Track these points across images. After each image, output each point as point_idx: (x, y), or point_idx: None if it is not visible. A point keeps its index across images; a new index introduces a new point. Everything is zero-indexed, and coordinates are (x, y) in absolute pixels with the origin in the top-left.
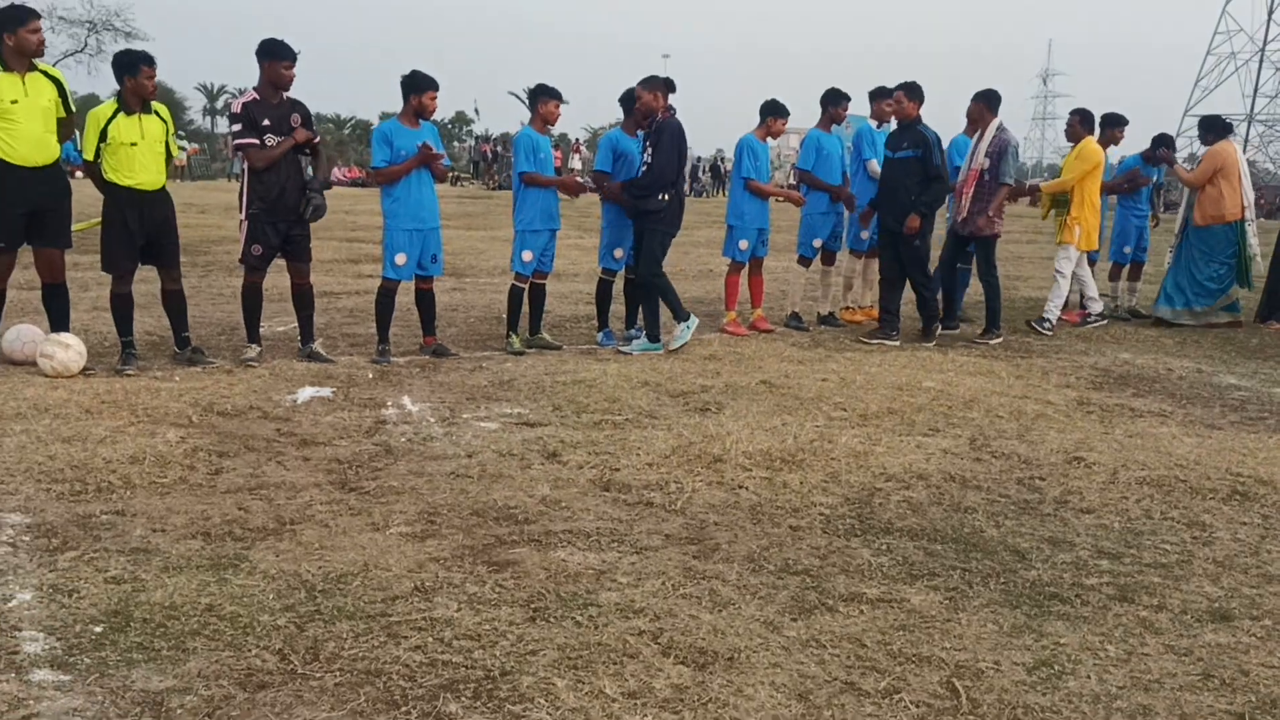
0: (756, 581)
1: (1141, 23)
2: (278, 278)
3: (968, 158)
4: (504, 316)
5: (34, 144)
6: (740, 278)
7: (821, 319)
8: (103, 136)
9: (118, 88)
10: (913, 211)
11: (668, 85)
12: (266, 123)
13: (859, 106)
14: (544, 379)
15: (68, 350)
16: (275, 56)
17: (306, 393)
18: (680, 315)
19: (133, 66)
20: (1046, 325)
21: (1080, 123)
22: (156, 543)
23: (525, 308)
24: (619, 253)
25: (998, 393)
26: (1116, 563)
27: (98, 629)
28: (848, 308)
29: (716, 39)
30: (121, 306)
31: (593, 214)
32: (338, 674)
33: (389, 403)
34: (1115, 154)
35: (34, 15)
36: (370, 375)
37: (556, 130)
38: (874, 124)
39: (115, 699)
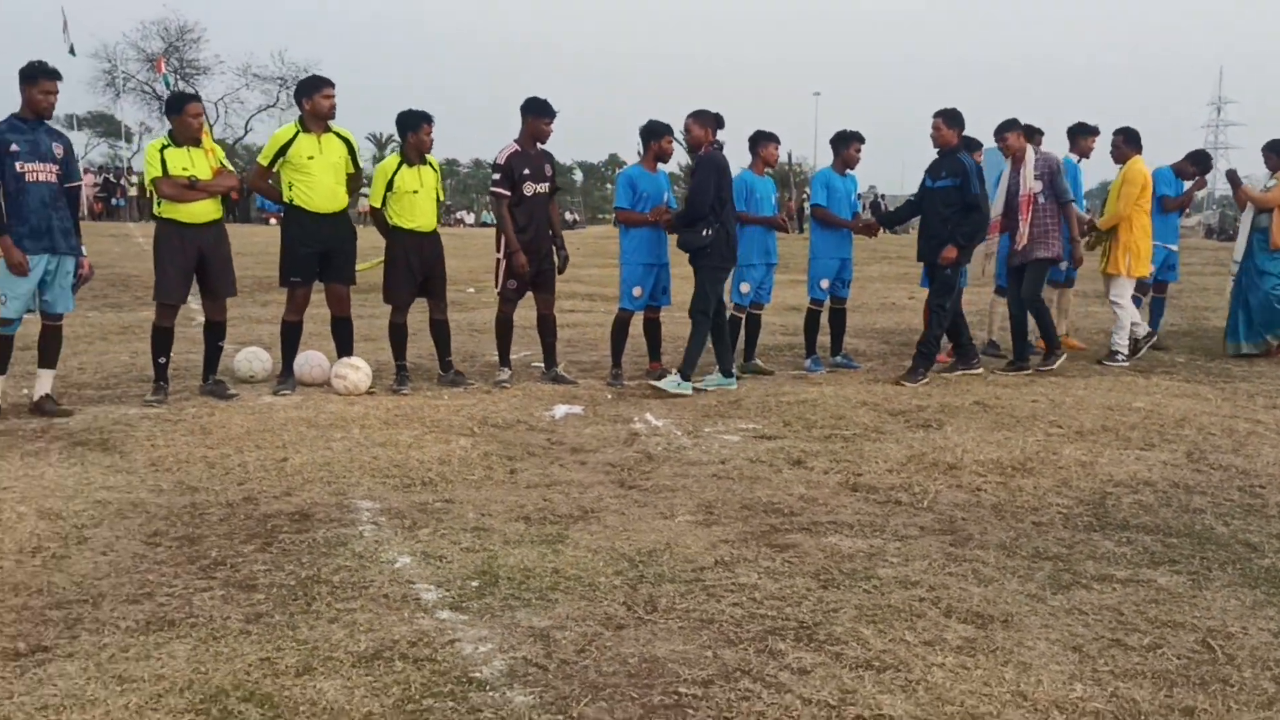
0: (1013, 564)
1: None
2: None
3: (1004, 184)
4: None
5: (327, 194)
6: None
7: (986, 347)
8: (389, 186)
9: (400, 143)
10: (950, 243)
11: (718, 121)
12: (526, 171)
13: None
14: (768, 399)
15: (357, 372)
16: (539, 114)
17: (561, 410)
18: (687, 369)
19: (415, 124)
20: (1120, 358)
21: (1124, 142)
22: (489, 523)
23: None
24: (824, 283)
25: (1207, 413)
26: None
27: (474, 583)
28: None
29: (867, 64)
30: (398, 335)
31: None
32: (677, 620)
33: (635, 418)
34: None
35: (328, 84)
36: (609, 395)
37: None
38: (1075, 159)
39: (508, 632)
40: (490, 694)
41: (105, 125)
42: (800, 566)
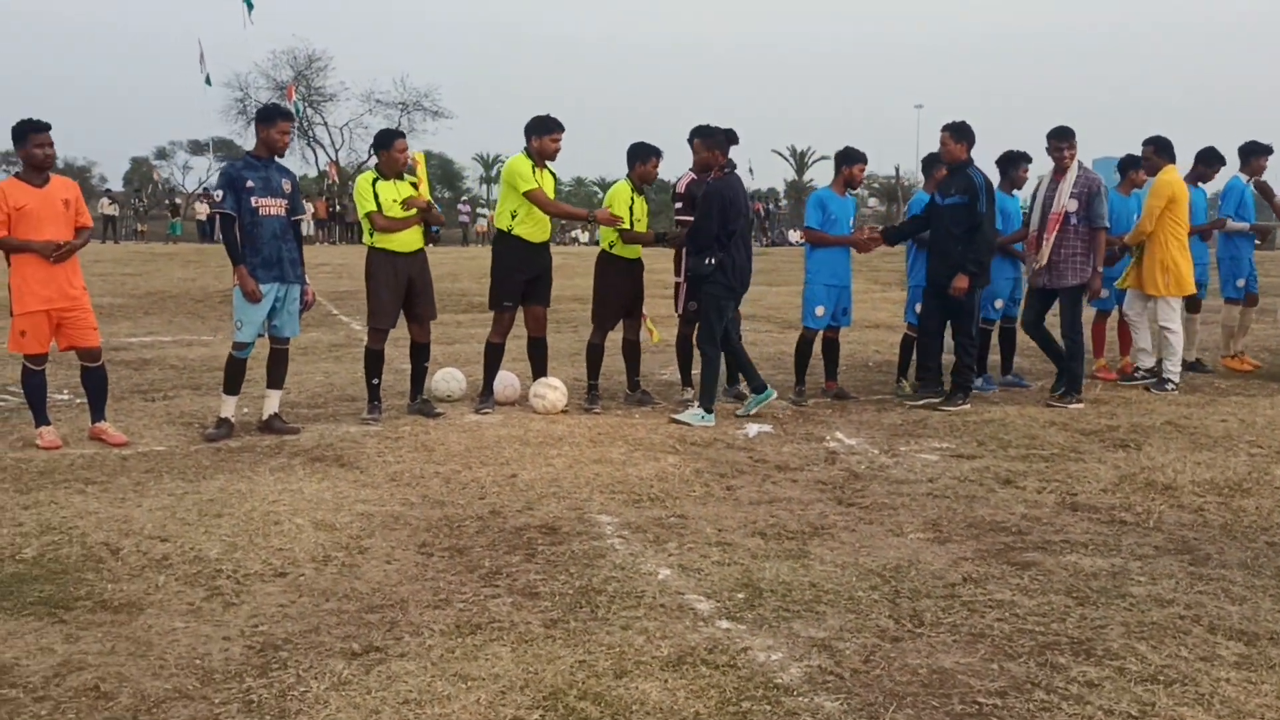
0: (1262, 583)
1: None
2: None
3: (1041, 200)
4: (894, 363)
5: (545, 225)
6: (1105, 325)
7: (1189, 365)
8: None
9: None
10: (960, 271)
11: (729, 138)
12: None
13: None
14: (953, 419)
15: (555, 391)
16: (715, 142)
17: (753, 428)
18: (706, 401)
19: (645, 156)
20: (1170, 386)
21: (1155, 152)
22: (730, 538)
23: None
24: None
25: None
26: None
27: (740, 595)
28: (1235, 355)
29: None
30: (594, 355)
31: (884, 268)
32: (948, 634)
33: (826, 437)
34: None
35: (559, 128)
36: (790, 412)
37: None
38: (1244, 179)
39: (790, 641)
40: (800, 699)
41: (226, 150)
42: (1049, 584)
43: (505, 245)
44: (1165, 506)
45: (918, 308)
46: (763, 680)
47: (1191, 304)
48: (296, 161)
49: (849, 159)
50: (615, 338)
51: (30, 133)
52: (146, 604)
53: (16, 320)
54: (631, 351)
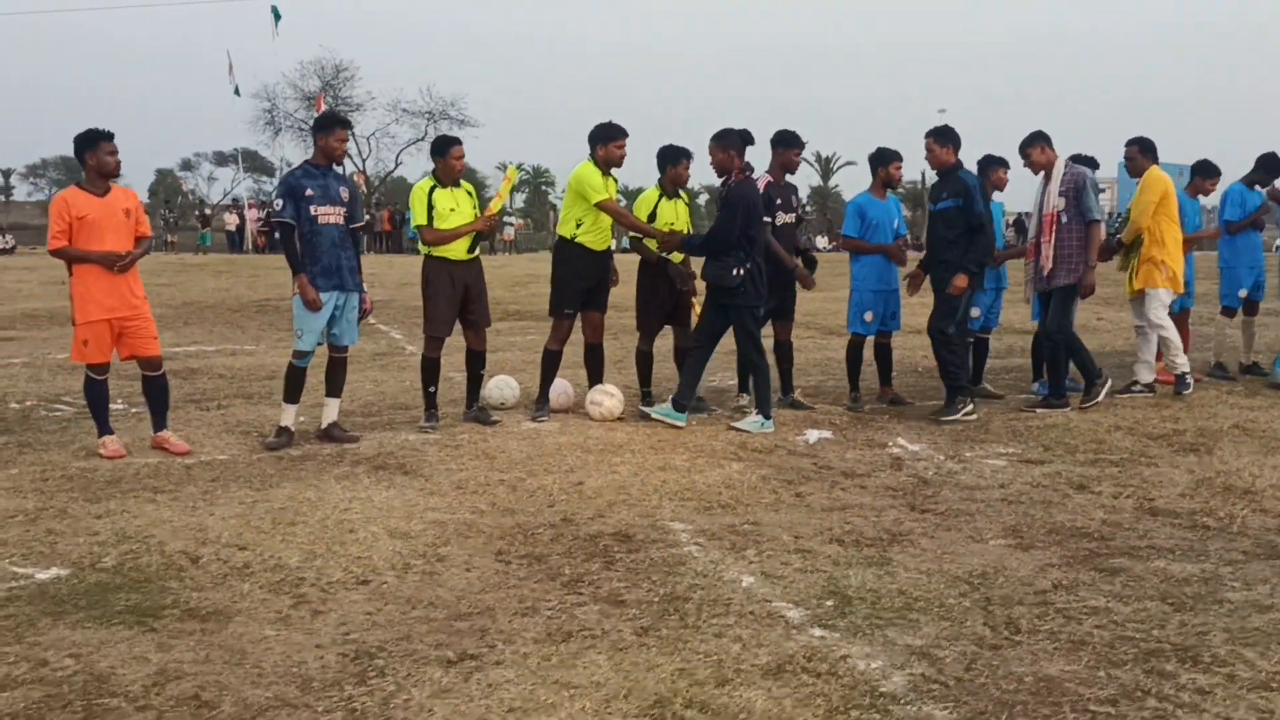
0: None
1: None
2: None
3: (1036, 205)
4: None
5: (606, 234)
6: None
7: (1244, 369)
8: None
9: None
10: (960, 271)
11: (744, 139)
12: (779, 202)
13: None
14: (1014, 424)
15: (612, 399)
16: (790, 145)
17: (813, 434)
18: (764, 408)
19: (675, 159)
20: (1188, 381)
21: (1140, 152)
22: (806, 545)
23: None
24: (977, 312)
25: None
26: None
27: (829, 603)
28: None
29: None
30: (644, 362)
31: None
32: (1047, 641)
33: (888, 443)
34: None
35: (624, 134)
36: (847, 418)
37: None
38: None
39: (888, 649)
40: (909, 708)
41: (251, 161)
42: (1142, 590)
43: (568, 253)
44: (1248, 511)
45: (974, 312)
46: (867, 689)
47: (1249, 307)
48: None
49: (883, 159)
50: (665, 345)
51: (101, 140)
52: (234, 612)
53: (79, 330)
54: (683, 358)
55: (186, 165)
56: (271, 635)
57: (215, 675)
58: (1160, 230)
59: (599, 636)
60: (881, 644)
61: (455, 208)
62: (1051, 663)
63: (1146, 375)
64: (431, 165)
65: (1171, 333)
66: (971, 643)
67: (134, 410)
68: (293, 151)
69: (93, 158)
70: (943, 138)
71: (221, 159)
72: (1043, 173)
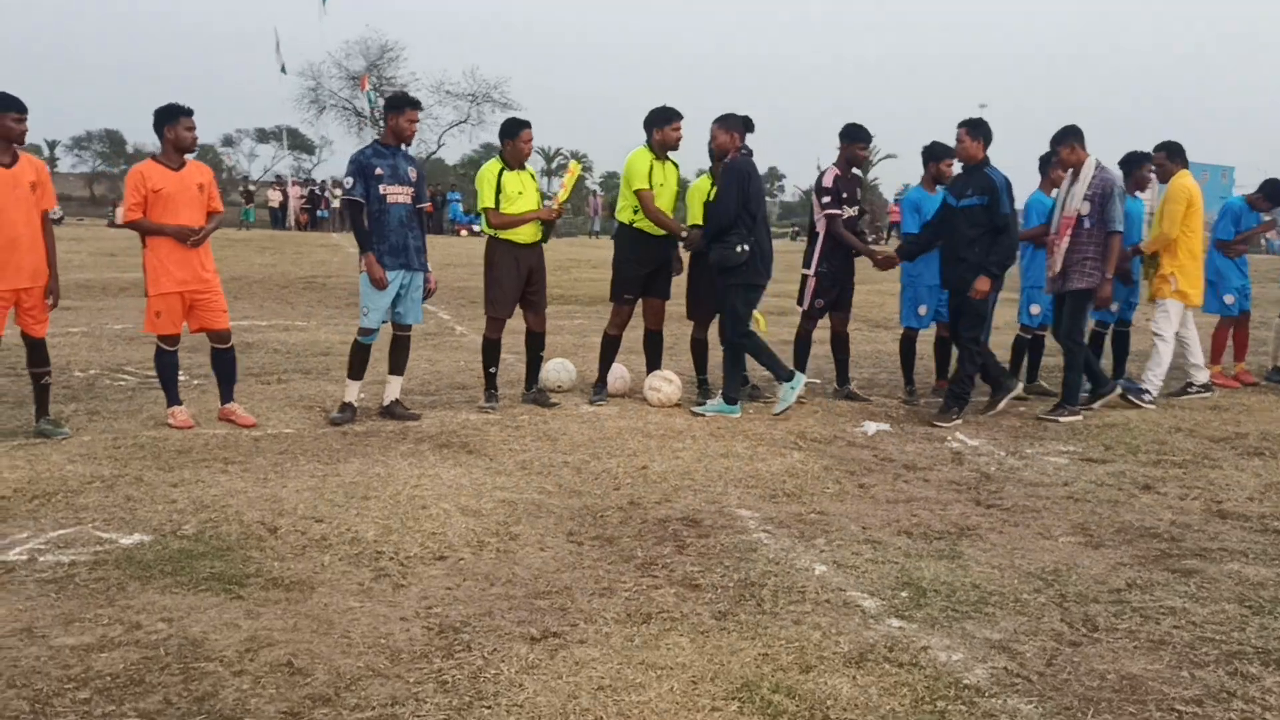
0: None
1: None
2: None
3: (1058, 204)
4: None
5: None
6: (1226, 332)
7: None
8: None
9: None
10: (982, 273)
11: (745, 124)
12: (845, 195)
13: None
14: (1074, 422)
15: (670, 384)
16: (856, 139)
17: (872, 426)
18: (782, 375)
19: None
20: (1146, 396)
21: (1168, 158)
22: (875, 536)
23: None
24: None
25: None
26: None
27: (904, 594)
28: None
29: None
30: (699, 350)
31: None
32: (1126, 639)
33: (947, 437)
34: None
35: (678, 117)
36: (904, 411)
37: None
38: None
39: (967, 642)
40: (994, 700)
41: (292, 139)
42: (1217, 592)
43: (627, 238)
44: None
45: (1033, 309)
46: (951, 680)
47: None
48: None
49: (935, 154)
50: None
51: (181, 115)
52: (317, 583)
53: (152, 301)
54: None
55: (228, 141)
56: (356, 606)
57: (305, 644)
58: (1181, 242)
59: (679, 619)
60: (960, 637)
61: (522, 191)
62: (1133, 661)
63: (1201, 376)
64: (499, 147)
65: (1167, 350)
66: (1050, 639)
67: (195, 382)
68: (335, 130)
69: (171, 131)
70: (975, 130)
71: (263, 135)
72: (1070, 170)
